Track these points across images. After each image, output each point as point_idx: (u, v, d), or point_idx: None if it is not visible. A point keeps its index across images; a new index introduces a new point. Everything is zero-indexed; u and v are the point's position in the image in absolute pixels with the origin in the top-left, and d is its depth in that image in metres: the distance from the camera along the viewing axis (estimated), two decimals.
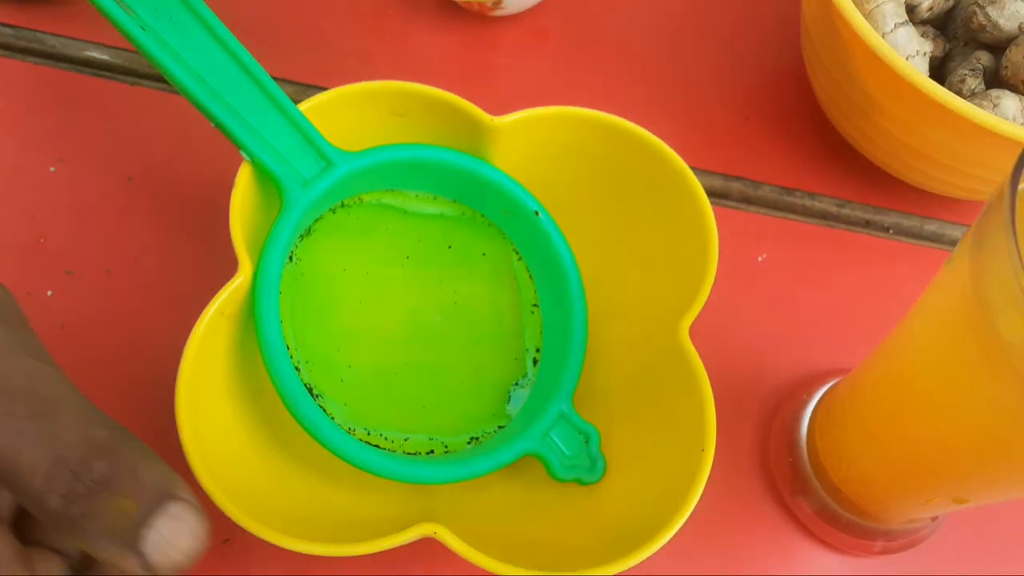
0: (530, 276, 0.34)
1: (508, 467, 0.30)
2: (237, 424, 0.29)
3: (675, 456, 0.28)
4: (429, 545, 0.27)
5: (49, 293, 0.35)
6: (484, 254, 0.34)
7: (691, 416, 0.28)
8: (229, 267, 0.29)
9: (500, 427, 0.32)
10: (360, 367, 0.32)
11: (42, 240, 0.36)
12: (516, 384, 0.33)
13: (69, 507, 0.19)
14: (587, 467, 0.30)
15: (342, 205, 0.33)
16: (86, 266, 0.36)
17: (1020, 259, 0.18)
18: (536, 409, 0.31)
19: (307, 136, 0.30)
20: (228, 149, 0.30)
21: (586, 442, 0.30)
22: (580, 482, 0.30)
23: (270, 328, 0.28)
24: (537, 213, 0.32)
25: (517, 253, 0.34)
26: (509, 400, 0.33)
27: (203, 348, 0.27)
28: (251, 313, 0.29)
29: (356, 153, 0.31)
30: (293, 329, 0.31)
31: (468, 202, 0.34)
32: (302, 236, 0.32)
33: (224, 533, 0.32)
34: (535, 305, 0.34)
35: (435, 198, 0.34)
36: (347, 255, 0.33)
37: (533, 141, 0.32)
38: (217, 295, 0.28)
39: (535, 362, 0.33)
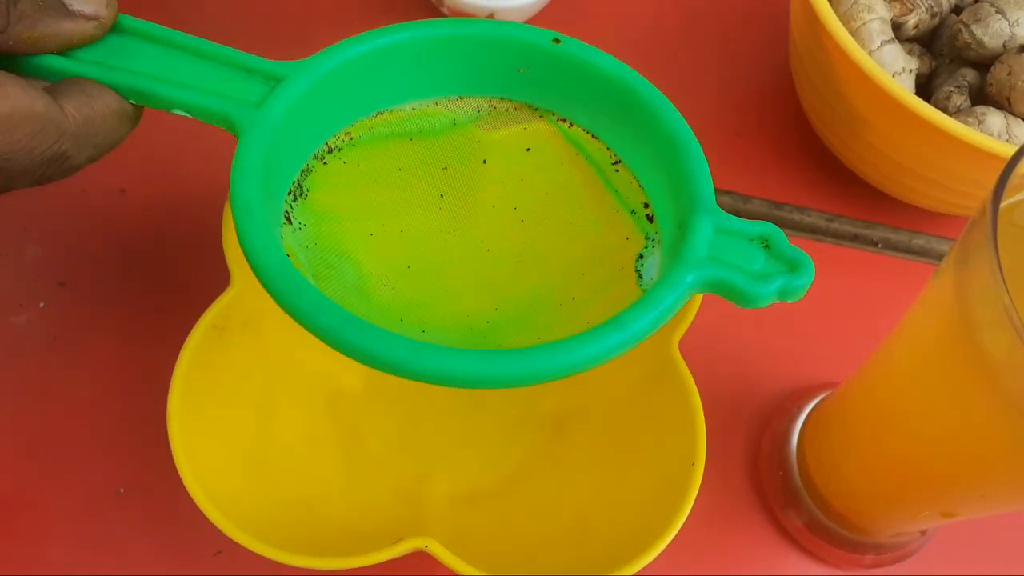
0: (592, 135, 0.27)
1: (502, 480, 0.30)
2: (231, 437, 0.29)
3: (666, 470, 0.28)
4: (420, 559, 0.27)
5: (41, 304, 0.35)
6: (528, 149, 0.28)
7: (682, 430, 0.28)
8: (223, 281, 0.29)
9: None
10: (437, 330, 0.25)
11: (34, 251, 0.36)
12: (640, 257, 0.26)
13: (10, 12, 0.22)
14: (785, 270, 0.22)
15: (329, 151, 0.27)
16: (78, 277, 0.36)
17: (1002, 275, 0.19)
18: (684, 244, 0.23)
19: (241, 65, 0.25)
20: (223, 163, 0.30)
21: (766, 246, 0.23)
22: (786, 295, 0.22)
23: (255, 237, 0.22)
24: (557, 40, 0.26)
25: (564, 120, 0.28)
26: (640, 277, 0.25)
27: (195, 362, 0.27)
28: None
29: (310, 59, 0.25)
30: None
31: (476, 91, 0.27)
32: (294, 194, 0.26)
33: (216, 545, 0.32)
34: (616, 162, 0.27)
35: (436, 103, 0.27)
36: (366, 215, 0.27)
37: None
38: (209, 309, 0.28)
39: (650, 219, 0.26)
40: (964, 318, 0.21)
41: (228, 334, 0.29)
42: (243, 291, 0.28)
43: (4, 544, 0.32)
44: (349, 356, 0.21)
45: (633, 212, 0.27)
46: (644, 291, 0.25)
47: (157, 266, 0.36)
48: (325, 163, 0.26)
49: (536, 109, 0.28)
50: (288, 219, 0.25)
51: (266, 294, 0.22)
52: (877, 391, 0.27)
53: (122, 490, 0.33)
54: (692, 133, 0.25)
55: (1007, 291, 0.19)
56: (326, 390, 0.33)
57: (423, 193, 0.27)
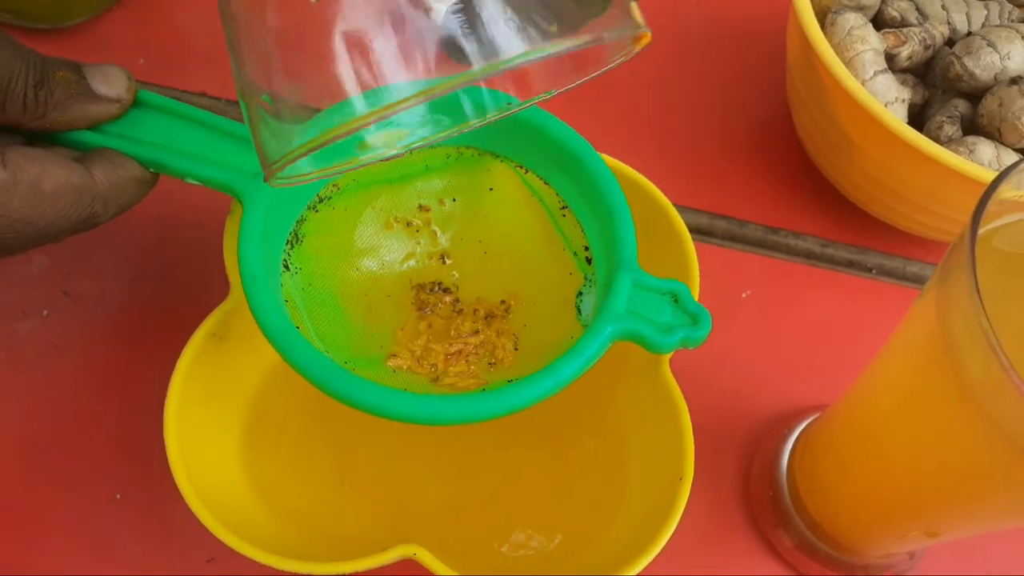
0: (544, 182, 0.31)
1: (493, 491, 0.30)
2: (226, 444, 0.29)
3: (656, 484, 0.28)
4: (410, 566, 0.27)
5: (45, 313, 0.36)
6: (491, 189, 0.32)
7: (671, 445, 0.28)
8: (224, 291, 0.29)
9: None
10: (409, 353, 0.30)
11: (40, 260, 0.37)
12: (580, 294, 0.30)
13: (38, 95, 0.26)
14: (688, 323, 0.26)
15: (320, 201, 0.30)
16: (83, 287, 0.36)
17: (980, 296, 0.19)
18: (607, 299, 0.27)
19: (240, 135, 0.28)
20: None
21: (675, 301, 0.27)
22: (688, 344, 0.26)
23: (269, 314, 0.26)
24: (509, 104, 0.29)
25: (521, 167, 0.31)
26: (580, 313, 0.30)
27: (193, 370, 0.28)
28: (247, 335, 0.29)
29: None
30: (319, 338, 0.28)
31: (446, 141, 0.30)
32: (291, 242, 0.30)
33: (210, 551, 0.32)
34: (563, 207, 0.31)
35: (411, 152, 0.30)
36: (352, 252, 0.31)
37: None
38: (207, 318, 0.28)
39: (588, 261, 0.30)
40: (945, 338, 0.21)
41: (226, 343, 0.29)
42: (242, 302, 0.29)
43: (2, 547, 0.32)
44: (338, 401, 0.25)
45: (575, 254, 0.31)
46: (583, 325, 0.29)
47: (159, 276, 0.37)
48: (317, 211, 0.30)
49: (497, 156, 0.31)
50: (286, 266, 0.29)
51: None
52: (861, 412, 0.28)
53: (119, 496, 0.33)
54: (623, 198, 0.29)
55: (984, 312, 0.19)
56: (319, 401, 0.33)
57: (401, 229, 0.31)
